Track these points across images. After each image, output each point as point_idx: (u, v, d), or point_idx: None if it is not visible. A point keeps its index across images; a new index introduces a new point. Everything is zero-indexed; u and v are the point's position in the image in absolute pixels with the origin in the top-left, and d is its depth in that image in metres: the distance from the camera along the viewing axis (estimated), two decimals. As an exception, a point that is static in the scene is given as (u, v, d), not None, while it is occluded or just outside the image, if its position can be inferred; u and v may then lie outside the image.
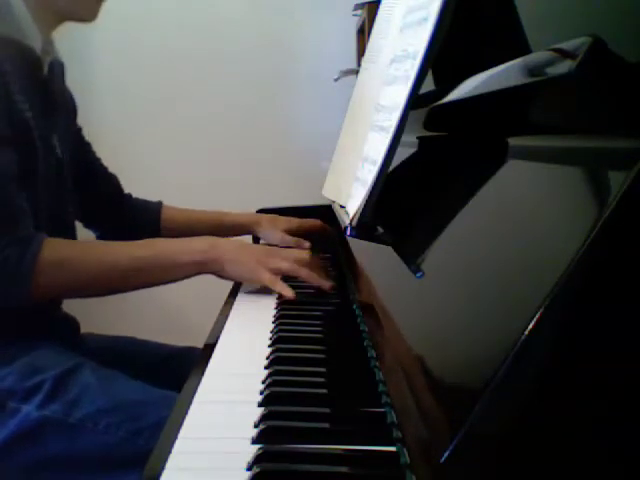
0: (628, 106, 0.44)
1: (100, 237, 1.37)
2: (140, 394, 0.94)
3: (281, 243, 1.27)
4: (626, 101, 0.44)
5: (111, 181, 1.36)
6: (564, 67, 0.50)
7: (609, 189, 0.40)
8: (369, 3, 1.57)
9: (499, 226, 0.55)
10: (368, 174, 0.74)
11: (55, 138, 1.11)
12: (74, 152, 1.21)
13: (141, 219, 1.36)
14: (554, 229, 0.45)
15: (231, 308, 1.02)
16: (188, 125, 2.15)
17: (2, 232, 0.94)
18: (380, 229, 0.73)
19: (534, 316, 0.36)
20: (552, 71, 0.55)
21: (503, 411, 0.36)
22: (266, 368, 0.75)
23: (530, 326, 0.36)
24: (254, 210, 1.43)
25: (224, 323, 0.95)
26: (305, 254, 1.07)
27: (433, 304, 0.57)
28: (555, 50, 0.54)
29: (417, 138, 0.94)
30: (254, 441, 0.59)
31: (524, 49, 0.64)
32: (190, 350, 1.24)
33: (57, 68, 1.15)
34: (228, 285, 1.15)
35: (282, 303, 1.01)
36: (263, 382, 0.71)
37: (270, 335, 0.87)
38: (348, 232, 0.73)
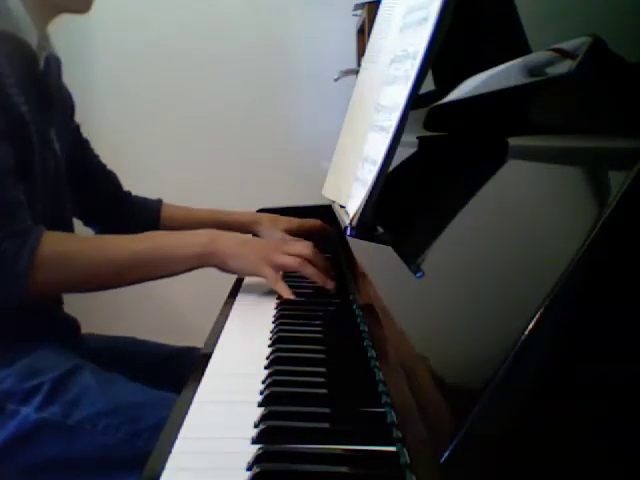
0: (628, 106, 0.44)
1: (99, 234, 1.36)
2: (139, 396, 0.94)
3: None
4: (626, 101, 0.44)
5: (110, 178, 1.36)
6: (564, 67, 0.50)
7: (609, 189, 0.40)
8: (369, 3, 1.57)
9: (499, 226, 0.55)
10: (368, 174, 0.74)
11: (52, 132, 1.10)
12: (72, 149, 1.20)
13: (140, 217, 1.35)
14: (554, 229, 0.45)
15: (231, 308, 1.02)
16: (188, 125, 2.15)
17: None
18: (380, 229, 0.73)
19: (534, 316, 0.36)
20: (552, 71, 0.55)
21: (503, 411, 0.36)
22: (266, 368, 0.75)
23: (530, 326, 0.36)
24: (254, 210, 1.43)
25: (224, 323, 0.95)
26: (310, 249, 1.06)
27: (433, 304, 0.57)
28: (555, 50, 0.54)
29: (417, 138, 0.94)
30: (254, 441, 0.59)
31: (524, 49, 0.64)
32: (190, 350, 1.24)
33: (53, 63, 1.14)
34: (228, 285, 1.15)
35: (282, 303, 1.01)
36: (263, 382, 0.71)
37: (270, 335, 0.87)
38: (348, 232, 0.73)
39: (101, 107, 2.09)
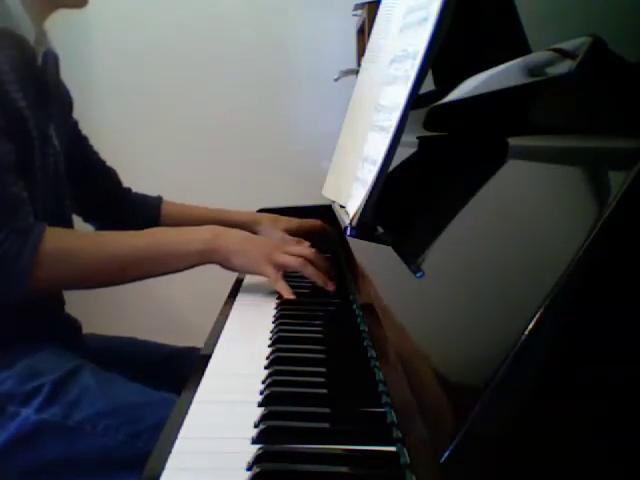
0: (628, 106, 0.44)
1: (99, 230, 1.36)
2: (139, 396, 0.94)
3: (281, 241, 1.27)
4: (626, 101, 0.44)
5: (110, 175, 1.35)
6: (564, 67, 0.50)
7: (609, 189, 0.40)
8: (369, 3, 1.57)
9: (499, 226, 0.55)
10: (368, 174, 0.74)
11: (52, 128, 1.10)
12: (71, 145, 1.20)
13: (140, 214, 1.35)
14: (554, 229, 0.45)
15: (231, 308, 1.02)
16: (188, 125, 2.15)
17: (1, 222, 0.93)
18: (380, 229, 0.73)
19: (534, 316, 0.36)
20: (552, 71, 0.55)
21: (503, 411, 0.36)
22: (266, 368, 0.75)
23: (530, 326, 0.36)
24: (254, 210, 1.42)
25: (224, 323, 0.95)
26: (312, 251, 1.06)
27: (433, 304, 0.57)
28: (555, 50, 0.54)
29: (417, 138, 0.94)
30: (254, 441, 0.59)
31: (524, 49, 0.64)
32: (190, 350, 1.24)
33: (51, 59, 1.13)
34: (228, 285, 1.15)
35: (282, 303, 1.01)
36: (263, 382, 0.71)
37: (270, 335, 0.87)
38: (348, 232, 0.73)
39: (101, 107, 2.09)
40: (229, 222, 1.31)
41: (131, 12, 2.12)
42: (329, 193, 1.03)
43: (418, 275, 0.60)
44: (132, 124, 2.14)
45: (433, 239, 0.65)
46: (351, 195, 0.81)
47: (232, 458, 0.56)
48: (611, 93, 0.47)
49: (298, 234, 1.29)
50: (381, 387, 0.65)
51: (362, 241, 0.77)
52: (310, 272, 1.03)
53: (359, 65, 1.48)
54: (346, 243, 1.05)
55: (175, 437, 0.60)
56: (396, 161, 0.72)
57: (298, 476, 0.55)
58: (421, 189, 0.81)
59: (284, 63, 2.17)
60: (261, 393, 0.68)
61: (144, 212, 1.35)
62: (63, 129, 1.16)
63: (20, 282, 0.93)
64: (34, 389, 0.92)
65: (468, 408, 0.37)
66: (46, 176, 1.07)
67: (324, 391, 0.71)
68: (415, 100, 0.68)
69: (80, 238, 1.04)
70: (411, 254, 0.65)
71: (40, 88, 1.07)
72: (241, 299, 1.07)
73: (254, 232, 1.33)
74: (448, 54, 0.70)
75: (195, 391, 0.71)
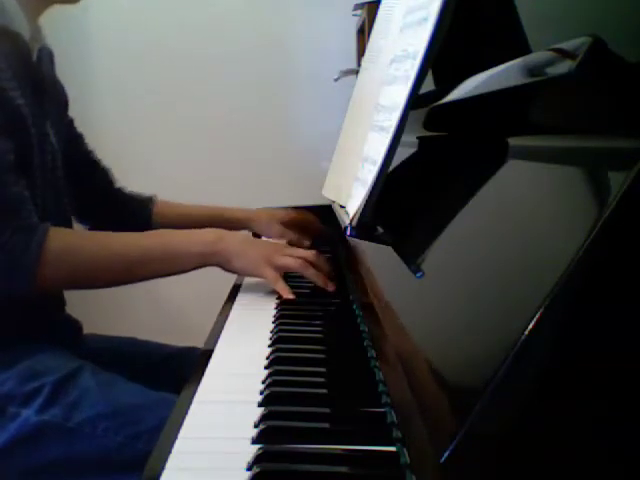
0: (628, 106, 0.44)
1: (92, 230, 1.35)
2: (139, 397, 0.94)
3: (280, 237, 1.27)
4: (626, 101, 0.44)
5: (105, 174, 1.34)
6: (564, 67, 0.50)
7: (609, 189, 0.40)
8: (369, 3, 1.57)
9: (499, 226, 0.55)
10: (368, 174, 0.74)
11: (48, 125, 1.09)
12: (66, 143, 1.19)
13: (132, 213, 1.34)
14: (554, 229, 0.45)
15: (231, 308, 1.02)
16: (188, 125, 2.15)
17: (4, 222, 0.92)
18: (380, 229, 0.73)
19: (534, 316, 0.36)
20: (552, 71, 0.55)
21: (503, 411, 0.36)
22: (266, 368, 0.75)
23: (530, 326, 0.36)
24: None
25: (224, 323, 0.95)
26: (312, 253, 1.06)
27: (433, 304, 0.57)
28: (555, 50, 0.54)
29: (417, 138, 0.94)
30: (254, 441, 0.59)
31: (524, 49, 0.64)
32: (190, 350, 1.24)
33: (46, 55, 1.13)
34: (228, 285, 1.15)
35: (282, 303, 1.01)
36: (263, 382, 0.71)
37: (270, 335, 0.87)
38: (348, 232, 0.73)
39: (101, 107, 2.09)
40: (225, 218, 1.31)
41: (131, 12, 2.12)
42: (329, 193, 1.03)
43: (418, 275, 0.60)
44: (132, 124, 2.14)
45: (433, 239, 0.65)
46: (351, 195, 0.81)
47: (232, 458, 0.56)
48: (611, 93, 0.47)
49: (294, 225, 1.29)
50: (381, 387, 0.65)
51: (362, 241, 0.77)
52: (310, 273, 1.03)
53: (359, 65, 1.48)
54: (346, 243, 1.05)
55: (175, 437, 0.60)
56: (396, 161, 0.72)
57: (298, 476, 0.55)
58: (421, 189, 0.81)
59: (284, 63, 2.17)
60: (261, 393, 0.68)
61: (136, 211, 1.34)
62: (59, 126, 1.16)
63: (26, 279, 0.93)
64: (34, 390, 0.92)
65: (468, 408, 0.36)
66: (45, 174, 1.07)
67: (324, 391, 0.71)
68: (415, 100, 0.68)
69: (84, 237, 1.05)
70: (411, 254, 0.65)
71: (36, 85, 1.06)
72: (241, 299, 1.07)
73: (250, 228, 1.33)
74: (448, 54, 0.70)
75: (195, 391, 0.71)
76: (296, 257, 1.04)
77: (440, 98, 0.83)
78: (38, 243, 0.93)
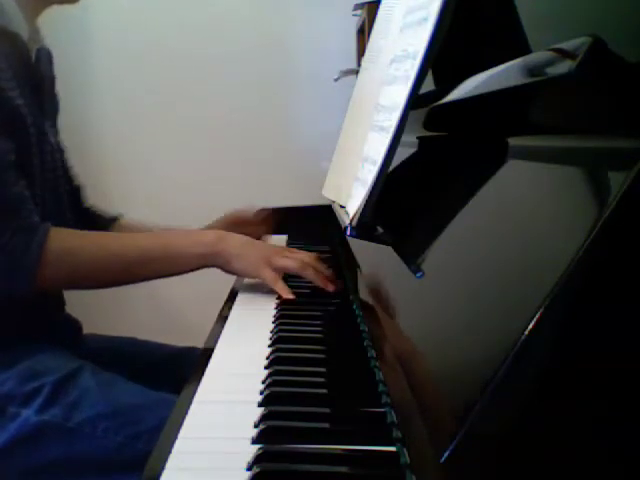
0: (628, 106, 0.44)
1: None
2: (139, 398, 0.94)
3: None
4: (626, 101, 0.44)
5: (76, 191, 1.28)
6: (564, 67, 0.50)
7: (609, 189, 0.40)
8: (369, 3, 1.57)
9: (499, 226, 0.55)
10: (368, 174, 0.74)
11: (48, 125, 1.09)
12: None
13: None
14: (554, 229, 0.45)
15: (231, 308, 1.02)
16: (188, 125, 2.15)
17: (4, 222, 0.92)
18: (380, 229, 0.73)
19: (534, 316, 0.36)
20: (552, 71, 0.55)
21: (503, 411, 0.36)
22: (266, 368, 0.75)
23: (530, 326, 0.36)
24: (254, 210, 1.42)
25: (224, 323, 0.95)
26: (311, 255, 1.07)
27: (433, 304, 0.57)
28: (555, 50, 0.54)
29: (417, 138, 0.94)
30: (254, 441, 0.59)
31: (524, 49, 0.64)
32: (190, 350, 1.24)
33: (44, 56, 1.13)
34: (228, 285, 1.15)
35: (282, 303, 1.00)
36: (263, 382, 0.71)
37: (270, 335, 0.87)
38: (348, 232, 0.73)
39: (101, 107, 2.09)
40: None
41: (131, 12, 2.12)
42: (329, 193, 1.03)
43: (418, 275, 0.60)
44: (132, 124, 2.14)
45: (433, 239, 0.65)
46: (351, 195, 0.81)
47: (232, 458, 0.56)
48: (611, 93, 0.47)
49: (232, 223, 1.28)
50: (381, 387, 0.65)
51: (362, 241, 0.77)
52: (310, 274, 1.03)
53: (359, 65, 1.48)
54: (346, 243, 1.05)
55: (175, 437, 0.60)
56: (396, 161, 0.72)
57: (298, 476, 0.55)
58: (421, 189, 0.81)
59: (284, 63, 2.17)
60: (261, 393, 0.68)
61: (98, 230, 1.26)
62: (55, 127, 1.16)
63: (26, 280, 0.93)
64: (34, 390, 0.92)
65: (468, 408, 0.36)
66: (45, 174, 1.06)
67: (324, 391, 0.71)
68: (415, 100, 0.68)
69: (84, 238, 1.04)
70: (411, 254, 0.65)
71: (35, 85, 1.06)
72: (241, 299, 1.07)
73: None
74: (448, 54, 0.70)
75: (195, 391, 0.71)
76: (297, 259, 1.04)
77: (440, 98, 0.83)
78: (39, 244, 0.93)
